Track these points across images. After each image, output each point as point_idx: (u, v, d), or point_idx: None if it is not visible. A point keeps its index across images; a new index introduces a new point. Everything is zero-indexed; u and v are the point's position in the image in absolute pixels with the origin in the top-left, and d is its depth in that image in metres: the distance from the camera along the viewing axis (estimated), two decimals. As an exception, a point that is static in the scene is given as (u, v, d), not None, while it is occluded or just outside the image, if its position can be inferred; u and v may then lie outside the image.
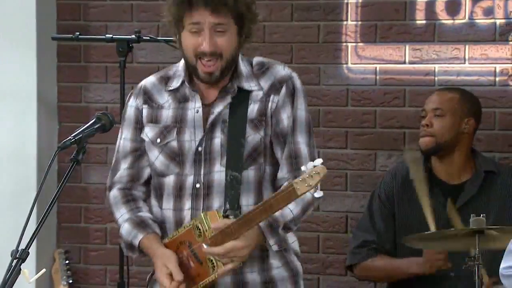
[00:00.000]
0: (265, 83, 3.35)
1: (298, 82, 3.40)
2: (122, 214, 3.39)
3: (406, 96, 5.17)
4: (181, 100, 3.35)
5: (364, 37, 5.20)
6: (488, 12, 5.05)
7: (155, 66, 5.34)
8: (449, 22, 5.11)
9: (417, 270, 4.50)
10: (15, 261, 2.84)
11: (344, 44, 5.22)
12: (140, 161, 3.41)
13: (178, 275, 3.23)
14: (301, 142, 3.36)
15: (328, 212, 5.22)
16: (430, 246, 4.45)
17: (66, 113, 5.48)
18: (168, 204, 3.36)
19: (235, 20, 3.25)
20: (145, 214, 3.38)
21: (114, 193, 3.43)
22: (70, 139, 3.06)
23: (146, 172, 3.42)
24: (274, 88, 3.34)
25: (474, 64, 5.09)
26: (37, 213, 2.97)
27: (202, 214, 3.24)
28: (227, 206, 3.25)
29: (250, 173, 3.31)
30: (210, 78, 3.27)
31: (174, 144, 3.33)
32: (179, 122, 3.33)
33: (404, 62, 5.17)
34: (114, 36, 4.49)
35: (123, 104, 4.42)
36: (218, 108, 3.31)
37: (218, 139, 3.30)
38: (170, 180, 3.34)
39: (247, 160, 3.28)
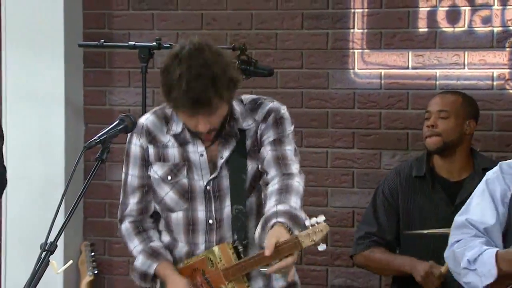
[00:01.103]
0: (258, 118, 3.38)
1: (285, 112, 3.41)
2: (135, 245, 3.41)
3: (409, 99, 5.16)
4: (183, 143, 3.35)
5: (370, 44, 5.19)
6: (486, 20, 5.03)
7: (175, 71, 5.35)
8: (450, 30, 5.09)
9: (410, 271, 4.47)
10: (44, 253, 2.83)
11: (351, 50, 5.21)
12: (147, 196, 3.42)
13: None
14: (287, 149, 3.36)
15: (336, 208, 5.22)
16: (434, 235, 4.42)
17: (92, 115, 5.48)
18: (180, 237, 3.38)
19: (226, 104, 3.24)
20: (156, 244, 3.41)
21: (126, 226, 3.44)
22: (95, 139, 3.06)
23: (153, 205, 3.43)
24: (264, 118, 3.37)
25: (473, 69, 5.07)
26: (64, 208, 2.96)
27: (214, 248, 3.30)
28: (235, 237, 3.30)
29: (252, 200, 3.36)
30: (208, 140, 3.32)
31: (185, 181, 3.33)
32: (186, 160, 3.34)
33: (407, 68, 5.16)
34: (136, 44, 4.48)
35: (144, 106, 4.42)
36: (226, 153, 3.33)
37: (226, 177, 3.33)
38: (178, 215, 3.36)
39: (248, 189, 3.34)
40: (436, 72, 5.12)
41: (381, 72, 5.19)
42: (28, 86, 5.31)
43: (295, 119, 5.21)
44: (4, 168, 3.77)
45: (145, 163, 3.37)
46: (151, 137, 3.35)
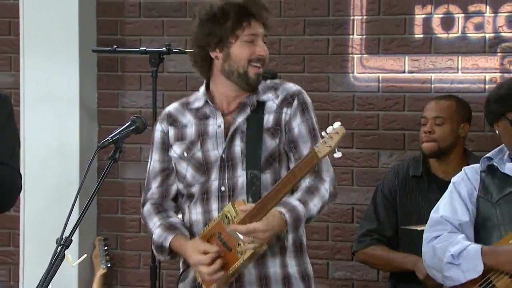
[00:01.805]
0: (278, 97, 3.35)
1: (307, 97, 3.39)
2: (154, 222, 3.37)
3: (406, 101, 5.15)
4: (202, 118, 3.35)
5: (368, 49, 5.19)
6: (479, 27, 5.03)
7: (183, 75, 5.36)
8: (444, 36, 5.09)
9: (412, 268, 4.47)
10: (59, 247, 2.84)
11: (351, 55, 5.21)
12: (168, 179, 3.39)
13: (213, 248, 3.18)
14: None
15: (336, 205, 5.21)
16: None
17: (105, 116, 5.48)
18: (196, 209, 3.32)
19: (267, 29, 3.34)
20: (175, 219, 3.37)
21: (147, 207, 3.41)
22: (108, 139, 3.06)
23: (174, 188, 3.40)
24: (287, 101, 3.33)
25: (466, 73, 5.07)
26: (79, 205, 2.96)
27: (229, 203, 3.20)
28: (250, 200, 3.22)
29: (267, 176, 3.27)
30: (257, 78, 3.31)
31: (199, 155, 3.31)
32: (202, 135, 3.32)
33: (404, 72, 5.15)
34: (147, 49, 4.49)
35: (155, 109, 4.42)
36: (239, 119, 3.31)
37: (239, 147, 3.28)
38: (196, 188, 3.33)
39: (264, 164, 3.27)
40: (431, 76, 5.12)
41: (379, 76, 5.19)
42: (45, 89, 5.31)
43: (298, 120, 5.29)
44: (20, 175, 3.73)
45: (166, 146, 3.37)
46: (172, 120, 3.36)
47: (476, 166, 3.62)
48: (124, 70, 5.49)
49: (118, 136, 3.07)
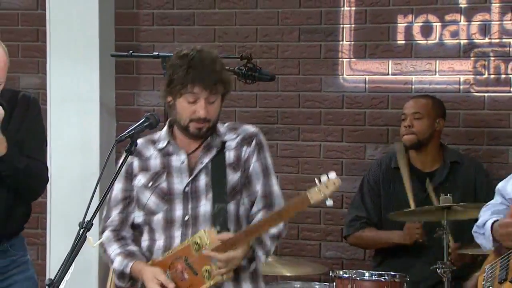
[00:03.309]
0: (238, 137, 3.24)
1: (263, 138, 3.27)
2: (114, 249, 3.21)
3: (389, 100, 5.15)
4: (166, 155, 3.21)
5: (356, 54, 5.19)
6: (454, 34, 5.03)
7: (192, 77, 5.35)
8: (423, 42, 5.09)
9: (398, 240, 4.50)
10: (82, 230, 2.84)
11: (340, 59, 5.21)
12: (129, 207, 3.24)
13: (169, 284, 3.06)
14: (273, 184, 3.24)
15: (327, 192, 5.21)
16: (409, 219, 4.44)
17: (122, 114, 5.48)
18: (159, 235, 3.18)
19: (223, 95, 3.18)
20: (133, 247, 3.22)
21: (107, 234, 3.25)
22: (125, 134, 3.06)
23: (133, 216, 3.25)
24: (246, 141, 3.22)
25: (443, 75, 5.07)
26: (99, 192, 2.97)
27: (202, 230, 3.07)
28: (218, 229, 3.10)
29: (232, 207, 3.16)
30: (199, 133, 3.17)
31: (164, 185, 3.18)
32: (167, 168, 3.19)
33: (388, 74, 5.16)
34: (159, 54, 4.47)
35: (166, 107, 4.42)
36: (206, 159, 3.18)
37: (203, 181, 3.16)
38: (159, 217, 3.18)
39: (229, 196, 3.16)
40: (412, 78, 5.12)
41: (365, 78, 5.19)
42: (69, 90, 5.31)
43: (293, 118, 5.30)
44: (46, 168, 3.75)
45: (129, 176, 3.22)
46: (137, 152, 3.16)
47: None
48: (139, 72, 5.49)
49: (133, 131, 3.07)
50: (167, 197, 3.17)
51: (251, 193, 3.22)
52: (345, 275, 4.13)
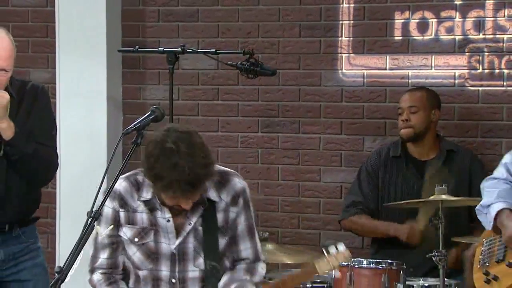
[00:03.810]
0: (226, 196, 3.08)
1: (248, 194, 3.13)
2: None
3: (387, 94, 5.15)
4: (151, 209, 3.05)
5: (355, 50, 5.18)
6: (450, 30, 5.02)
7: (196, 72, 5.36)
8: (420, 38, 5.08)
9: (394, 234, 4.50)
10: (90, 219, 2.84)
11: (340, 55, 5.20)
12: (117, 252, 3.10)
13: None
14: (257, 242, 3.15)
15: (327, 183, 5.22)
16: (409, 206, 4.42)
17: (129, 107, 5.48)
18: None
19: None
20: None
21: (98, 277, 3.10)
22: (131, 127, 3.06)
23: (122, 259, 3.12)
24: (234, 200, 3.07)
25: (439, 70, 5.06)
26: (107, 183, 2.97)
27: None
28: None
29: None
30: (183, 210, 3.02)
31: (152, 244, 3.04)
32: (154, 225, 3.04)
33: (385, 69, 5.15)
34: (164, 49, 4.48)
35: (171, 101, 4.42)
36: (194, 219, 3.04)
37: (192, 244, 3.03)
38: (144, 273, 3.06)
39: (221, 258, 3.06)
40: (408, 73, 5.11)
41: (364, 72, 5.18)
42: (77, 84, 5.31)
43: (294, 111, 5.30)
44: (56, 155, 3.78)
45: (117, 223, 3.08)
46: (123, 202, 3.06)
47: None
48: (145, 67, 5.49)
49: (140, 124, 3.07)
50: (153, 255, 3.05)
51: (235, 252, 3.12)
52: (343, 263, 4.12)
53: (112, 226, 3.04)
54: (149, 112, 3.14)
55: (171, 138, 2.89)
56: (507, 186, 3.31)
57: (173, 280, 3.02)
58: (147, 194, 3.06)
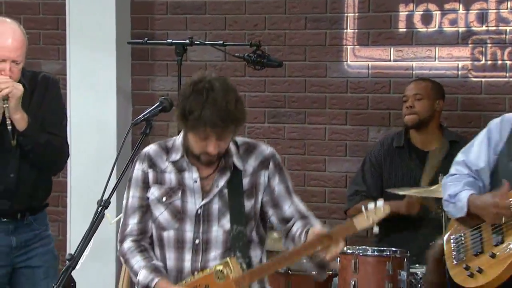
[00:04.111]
0: (254, 162, 3.03)
1: (279, 158, 3.10)
2: (138, 261, 3.01)
3: (391, 85, 5.14)
4: (180, 170, 3.01)
5: (360, 41, 5.17)
6: (453, 22, 5.00)
7: (203, 63, 5.36)
8: (424, 30, 5.07)
9: (395, 209, 4.49)
10: (100, 208, 2.85)
11: (345, 46, 5.20)
12: (146, 215, 3.05)
13: None
14: (298, 201, 3.08)
15: (332, 173, 5.22)
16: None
17: (138, 98, 5.48)
18: (169, 254, 3.01)
19: (233, 133, 2.97)
20: (158, 262, 3.02)
21: (128, 244, 3.04)
22: (140, 117, 3.07)
23: (150, 225, 3.06)
24: (263, 164, 3.03)
25: (442, 61, 5.05)
26: (116, 172, 2.97)
27: (228, 259, 2.89)
28: (238, 254, 2.94)
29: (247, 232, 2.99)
30: (209, 163, 2.98)
31: (178, 203, 2.99)
32: (182, 185, 3.01)
33: (390, 60, 5.14)
34: (173, 41, 4.47)
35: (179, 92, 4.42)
36: (221, 183, 2.99)
37: (217, 205, 2.98)
38: (169, 234, 3.00)
39: (246, 220, 2.99)
40: (412, 64, 5.10)
41: (368, 64, 5.18)
42: (87, 75, 5.31)
43: (300, 102, 5.30)
44: (67, 144, 3.80)
45: (145, 185, 3.04)
46: (151, 163, 3.02)
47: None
48: (154, 59, 5.49)
49: (149, 115, 3.07)
50: (179, 215, 3.00)
51: (280, 213, 3.05)
52: (348, 251, 4.13)
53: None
54: (157, 103, 3.14)
55: (206, 79, 2.91)
56: (471, 179, 3.32)
57: (197, 241, 2.97)
58: (176, 156, 3.02)
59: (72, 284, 2.68)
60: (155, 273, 2.96)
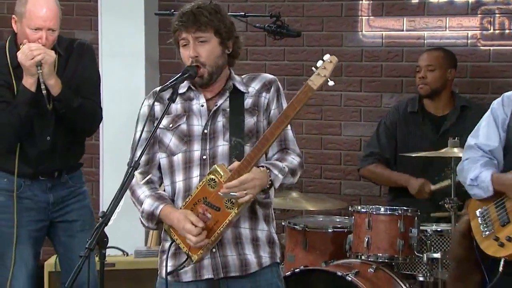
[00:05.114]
0: (256, 85, 3.01)
1: (280, 86, 3.04)
2: (143, 191, 2.97)
3: (404, 54, 5.11)
4: (187, 99, 3.01)
5: (374, 12, 5.13)
6: (463, -7, 4.96)
7: (227, 33, 5.32)
8: (435, 1, 5.03)
9: (404, 185, 4.49)
10: (130, 169, 2.85)
11: (360, 17, 5.16)
12: (153, 148, 2.99)
13: (199, 223, 2.82)
14: (289, 130, 2.99)
15: (347, 136, 5.22)
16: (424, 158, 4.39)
17: (165, 66, 5.48)
18: (178, 177, 2.95)
19: (215, 33, 2.94)
20: (162, 192, 2.99)
21: (135, 175, 2.95)
22: (167, 84, 3.02)
23: (158, 157, 3.00)
24: (265, 87, 3.00)
25: (453, 31, 5.01)
26: (145, 136, 2.97)
27: (214, 166, 2.82)
28: (233, 160, 2.86)
29: (246, 148, 2.91)
30: (201, 80, 2.96)
31: (184, 127, 2.96)
32: (187, 111, 2.98)
33: (403, 30, 5.10)
34: (198, 12, 4.44)
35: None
36: (220, 101, 2.97)
37: (221, 122, 2.94)
38: (179, 157, 2.95)
39: (245, 137, 2.92)
40: (424, 34, 5.07)
41: (382, 34, 5.14)
42: (118, 45, 5.31)
43: (317, 69, 5.26)
44: (100, 108, 3.82)
45: (152, 118, 2.99)
46: (159, 97, 2.99)
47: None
48: (179, 29, 5.46)
49: (175, 82, 3.05)
50: (186, 138, 2.95)
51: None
52: (362, 209, 4.14)
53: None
54: (183, 71, 3.12)
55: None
56: (486, 159, 3.28)
57: (204, 157, 2.92)
58: (183, 89, 3.01)
59: (105, 239, 2.68)
60: (159, 200, 2.92)
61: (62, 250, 3.81)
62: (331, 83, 2.70)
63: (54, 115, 3.66)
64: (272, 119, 2.96)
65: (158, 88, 3.02)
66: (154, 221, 2.93)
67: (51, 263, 4.31)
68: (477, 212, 3.26)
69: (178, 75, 3.07)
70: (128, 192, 2.88)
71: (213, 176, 2.81)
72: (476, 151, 3.33)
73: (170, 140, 2.98)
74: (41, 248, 3.85)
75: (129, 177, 2.80)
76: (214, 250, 2.90)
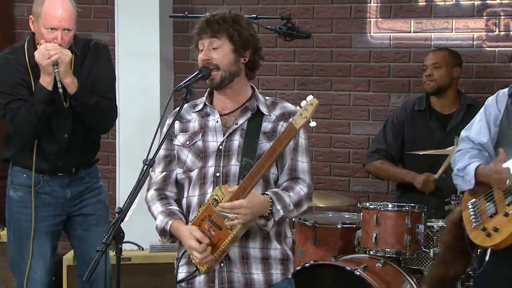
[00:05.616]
0: (276, 112, 2.98)
1: None
2: (157, 207, 2.99)
3: (411, 55, 5.10)
4: (204, 116, 3.01)
5: (382, 14, 5.11)
6: (469, -4, 4.95)
7: (239, 35, 5.32)
8: (442, 3, 5.01)
9: (410, 181, 4.48)
10: (145, 166, 2.85)
11: (368, 19, 5.15)
12: (171, 165, 3.01)
13: (204, 239, 2.84)
14: (301, 161, 2.96)
15: (356, 135, 5.21)
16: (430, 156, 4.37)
17: (179, 67, 5.48)
18: (193, 192, 2.96)
19: (229, 40, 2.96)
20: (174, 207, 2.99)
21: (151, 193, 3.02)
22: (181, 84, 3.04)
23: (175, 174, 3.01)
24: (284, 117, 2.96)
25: (459, 32, 4.99)
26: (160, 134, 2.97)
27: (217, 187, 2.85)
28: (240, 182, 2.85)
29: None
30: (212, 83, 2.98)
31: (200, 143, 2.96)
32: (203, 128, 2.98)
33: (410, 32, 5.09)
34: (211, 15, 4.44)
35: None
36: (241, 120, 2.96)
37: (237, 141, 2.93)
38: (195, 173, 2.95)
39: (257, 158, 2.86)
40: (431, 35, 5.05)
41: (390, 35, 5.13)
42: (134, 46, 5.31)
43: (327, 71, 5.26)
44: (116, 106, 3.82)
45: (170, 137, 3.01)
46: (179, 116, 3.01)
47: (507, 90, 3.34)
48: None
49: (189, 82, 3.04)
50: (202, 154, 2.95)
51: (282, 166, 2.96)
52: (371, 206, 4.13)
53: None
54: (197, 71, 3.12)
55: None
56: (476, 151, 3.27)
57: (217, 174, 2.92)
58: (200, 106, 3.04)
59: (121, 234, 2.68)
60: (169, 216, 2.94)
61: (77, 243, 3.82)
62: (312, 123, 2.73)
63: (71, 113, 3.66)
64: (285, 150, 2.89)
65: (177, 109, 3.00)
66: (167, 236, 2.96)
67: (69, 257, 4.32)
68: (469, 204, 3.26)
69: (192, 75, 3.07)
70: (143, 189, 2.87)
71: (215, 197, 2.84)
72: (467, 143, 3.33)
73: (187, 156, 2.98)
74: (58, 242, 3.86)
75: (144, 174, 2.80)
76: (222, 264, 2.91)
